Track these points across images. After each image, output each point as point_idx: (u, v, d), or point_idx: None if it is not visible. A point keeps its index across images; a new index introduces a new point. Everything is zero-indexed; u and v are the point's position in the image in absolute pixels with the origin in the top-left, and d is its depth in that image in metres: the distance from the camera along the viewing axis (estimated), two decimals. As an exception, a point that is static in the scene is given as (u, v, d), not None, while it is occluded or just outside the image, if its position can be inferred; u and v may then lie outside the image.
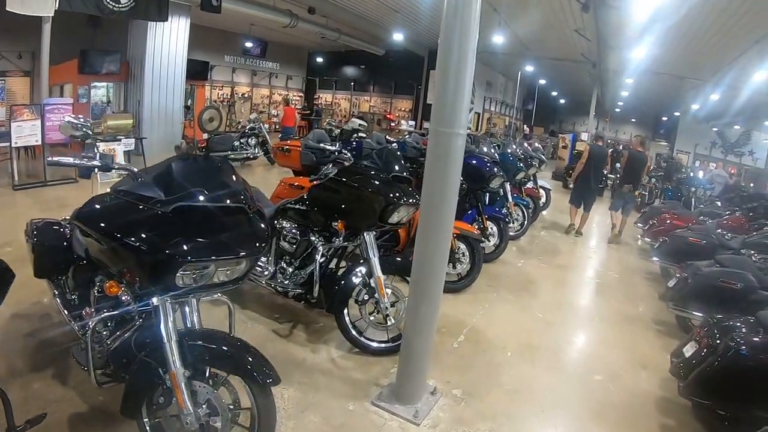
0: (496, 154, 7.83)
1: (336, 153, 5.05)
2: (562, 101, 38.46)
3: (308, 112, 25.24)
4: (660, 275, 8.26)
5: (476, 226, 7.22)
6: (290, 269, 4.77)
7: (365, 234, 4.44)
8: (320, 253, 4.54)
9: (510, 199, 8.82)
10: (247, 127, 14.35)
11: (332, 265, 4.79)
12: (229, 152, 12.71)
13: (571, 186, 11.91)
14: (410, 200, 4.41)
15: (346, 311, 4.45)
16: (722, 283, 5.51)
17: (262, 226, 2.69)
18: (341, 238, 4.55)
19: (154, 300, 2.57)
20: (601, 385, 4.61)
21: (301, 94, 28.45)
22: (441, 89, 3.29)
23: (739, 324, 4.16)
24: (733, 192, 12.11)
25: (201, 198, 2.50)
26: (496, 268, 7.43)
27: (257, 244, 2.59)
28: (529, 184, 11.29)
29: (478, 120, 26.65)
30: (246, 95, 25.03)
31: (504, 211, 8.76)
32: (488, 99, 27.92)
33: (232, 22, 18.47)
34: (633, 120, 37.61)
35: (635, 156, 10.53)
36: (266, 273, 4.80)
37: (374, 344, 4.51)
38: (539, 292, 6.82)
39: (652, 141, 35.23)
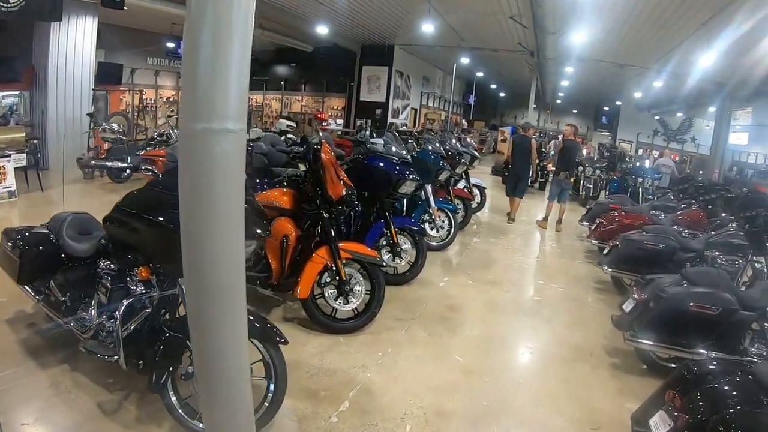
0: (407, 153, 6.39)
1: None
2: (502, 94, 37.90)
3: None
4: (612, 285, 6.99)
5: (383, 242, 5.93)
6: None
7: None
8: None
9: (433, 204, 7.52)
10: (155, 134, 12.89)
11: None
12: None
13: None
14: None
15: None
16: (695, 309, 4.25)
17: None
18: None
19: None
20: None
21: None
22: (190, 62, 1.80)
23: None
24: (686, 182, 11.08)
25: None
26: (410, 293, 6.00)
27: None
28: (461, 184, 10.13)
29: (416, 116, 25.77)
30: (172, 99, 23.20)
31: (426, 217, 7.53)
32: (426, 94, 27.02)
33: (152, 21, 17.09)
34: (575, 111, 37.64)
35: (568, 145, 10.88)
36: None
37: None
38: (462, 324, 5.33)
39: (594, 131, 35.77)
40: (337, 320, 4.79)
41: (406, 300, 5.75)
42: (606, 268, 6.49)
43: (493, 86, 33.91)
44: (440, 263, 7.40)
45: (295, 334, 4.64)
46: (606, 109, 35.51)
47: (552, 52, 17.12)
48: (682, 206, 9.05)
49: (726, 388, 2.93)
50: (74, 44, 12.74)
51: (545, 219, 10.83)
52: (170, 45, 20.83)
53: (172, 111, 21.53)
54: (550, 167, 14.90)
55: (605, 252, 6.79)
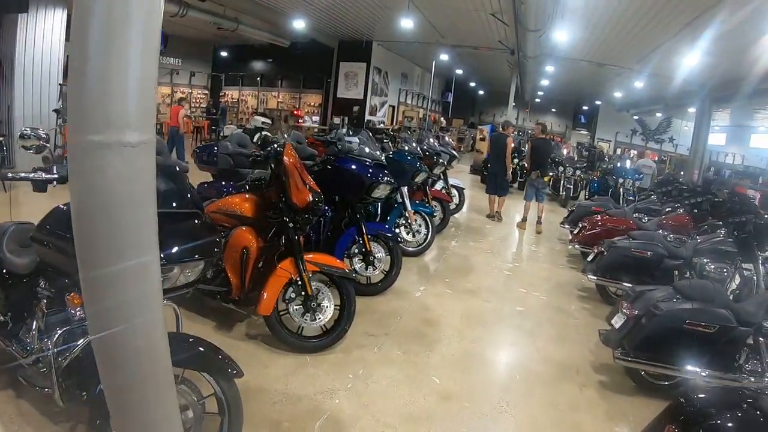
0: (381, 154, 6.01)
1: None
2: (481, 92, 37.73)
3: (214, 111, 23.27)
4: (596, 293, 6.65)
5: (355, 250, 5.57)
6: None
7: None
8: None
9: (409, 207, 7.17)
10: None
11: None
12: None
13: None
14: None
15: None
16: (690, 327, 3.95)
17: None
18: None
19: None
20: None
21: (206, 92, 26.68)
22: (79, 53, 1.39)
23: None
24: (669, 184, 10.81)
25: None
26: (384, 305, 5.58)
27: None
28: (438, 185, 9.80)
29: (394, 113, 25.48)
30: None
31: (402, 221, 7.18)
32: (404, 91, 26.74)
33: None
34: (553, 110, 37.73)
35: (538, 143, 10.98)
36: None
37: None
38: (440, 340, 4.92)
39: (573, 130, 35.77)
40: (304, 338, 4.39)
41: (380, 313, 5.34)
42: (591, 275, 6.17)
43: (472, 84, 33.76)
44: (417, 270, 7.03)
45: (259, 353, 4.27)
46: (585, 108, 35.67)
47: (533, 50, 16.63)
48: (667, 209, 8.79)
49: (731, 425, 2.55)
50: (42, 37, 12.21)
51: (524, 220, 10.60)
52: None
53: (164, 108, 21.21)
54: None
55: (589, 259, 6.46)
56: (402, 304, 5.69)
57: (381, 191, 5.60)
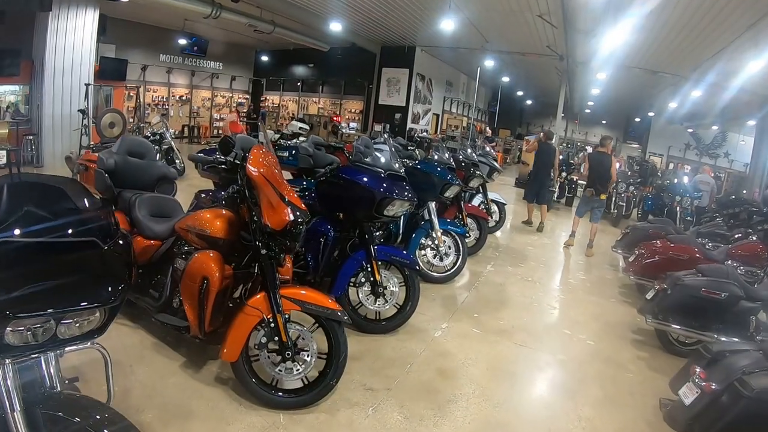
0: (399, 165, 5.01)
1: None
2: (528, 102, 36.36)
3: (254, 116, 23.28)
4: (653, 336, 5.51)
5: (362, 278, 4.63)
6: None
7: None
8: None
9: (437, 226, 6.23)
10: (149, 133, 12.34)
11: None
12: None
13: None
14: None
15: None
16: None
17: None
18: None
19: None
20: None
21: (247, 96, 26.25)
22: None
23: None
24: (737, 205, 9.54)
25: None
26: (392, 347, 4.59)
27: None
28: (476, 200, 8.84)
29: (438, 122, 24.57)
30: (184, 98, 22.72)
31: (428, 242, 6.25)
32: (449, 100, 25.81)
33: (165, 17, 16.94)
34: (603, 122, 36.49)
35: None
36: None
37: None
38: (455, 401, 3.84)
39: (623, 143, 34.62)
40: (279, 392, 3.48)
41: (385, 359, 4.35)
42: (650, 319, 5.10)
43: (519, 93, 32.52)
44: (440, 301, 5.96)
45: (223, 406, 3.41)
46: (637, 120, 34.07)
47: (582, 55, 16.08)
48: (737, 235, 7.62)
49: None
50: (73, 37, 12.36)
51: (572, 235, 9.66)
52: (183, 42, 20.42)
53: (165, 110, 21.29)
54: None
55: (649, 296, 5.33)
56: (415, 347, 4.65)
57: (396, 208, 4.59)
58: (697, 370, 3.35)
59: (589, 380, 4.56)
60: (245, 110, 23.95)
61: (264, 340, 3.34)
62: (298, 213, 3.21)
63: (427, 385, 4.05)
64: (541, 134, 11.51)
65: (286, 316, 3.33)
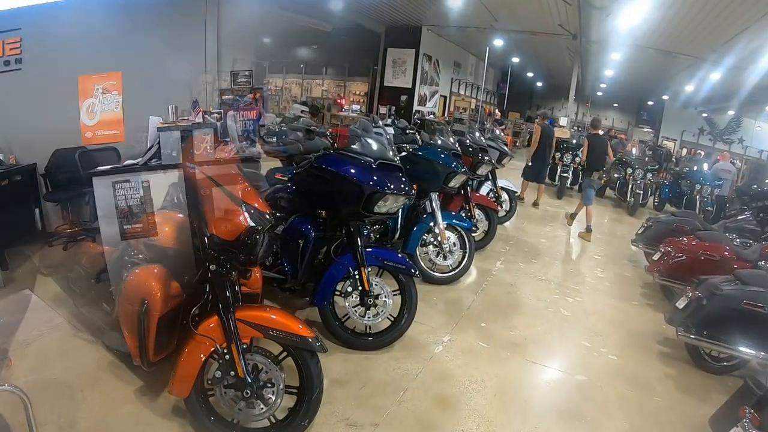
0: (392, 152, 4.17)
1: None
2: (539, 84, 35.41)
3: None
4: (681, 347, 4.78)
5: (349, 287, 3.97)
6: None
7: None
8: None
9: (440, 221, 5.57)
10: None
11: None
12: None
13: (529, 164, 11.35)
14: None
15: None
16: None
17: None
18: None
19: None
20: None
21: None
22: None
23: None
24: (766, 197, 8.75)
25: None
26: (384, 369, 3.92)
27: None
28: (484, 188, 8.17)
29: (445, 104, 23.88)
30: None
31: (429, 238, 5.62)
32: (456, 81, 25.03)
33: None
34: (615, 105, 35.63)
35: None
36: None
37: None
38: None
39: (635, 127, 33.99)
40: (240, 430, 2.87)
41: (374, 382, 3.69)
42: (682, 332, 4.41)
43: (530, 75, 31.63)
44: (443, 307, 5.26)
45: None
46: (650, 103, 33.19)
47: (596, 33, 15.54)
48: (768, 231, 6.92)
49: None
50: None
51: (588, 230, 9.08)
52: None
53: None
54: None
55: (681, 305, 4.62)
56: (411, 367, 3.97)
57: (389, 204, 3.90)
58: (748, 412, 2.70)
59: (612, 406, 3.87)
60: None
61: (219, 374, 2.70)
62: (258, 218, 2.56)
63: (421, 418, 3.38)
64: (540, 118, 12.13)
65: (243, 346, 2.69)
